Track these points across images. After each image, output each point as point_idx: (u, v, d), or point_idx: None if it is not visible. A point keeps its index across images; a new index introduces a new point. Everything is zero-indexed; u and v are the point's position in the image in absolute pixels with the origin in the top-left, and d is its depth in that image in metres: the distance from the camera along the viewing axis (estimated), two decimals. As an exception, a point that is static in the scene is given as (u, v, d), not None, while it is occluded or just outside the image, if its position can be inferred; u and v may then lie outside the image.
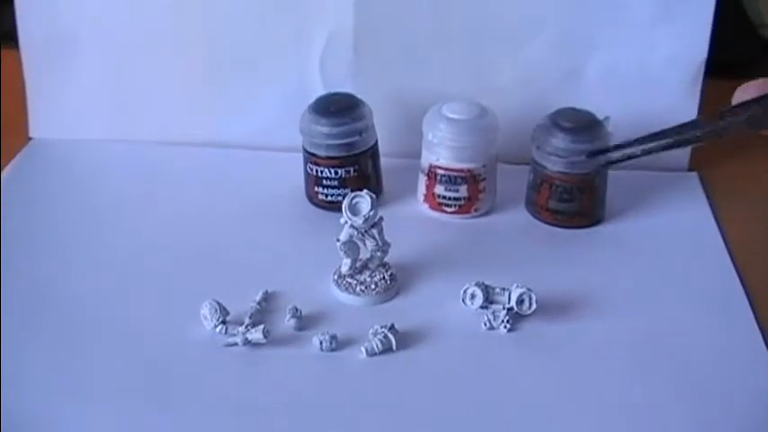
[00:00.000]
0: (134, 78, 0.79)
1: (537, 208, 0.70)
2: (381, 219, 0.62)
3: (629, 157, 0.62)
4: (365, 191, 0.61)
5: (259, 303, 0.60)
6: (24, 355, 0.57)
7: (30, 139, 0.81)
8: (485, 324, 0.59)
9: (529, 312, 0.59)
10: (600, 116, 0.69)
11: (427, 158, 0.70)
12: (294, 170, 0.73)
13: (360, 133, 0.70)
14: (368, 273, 0.63)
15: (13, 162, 0.78)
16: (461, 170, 0.69)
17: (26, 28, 0.78)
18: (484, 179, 0.70)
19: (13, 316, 0.59)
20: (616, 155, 0.63)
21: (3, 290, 0.61)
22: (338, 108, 0.70)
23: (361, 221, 0.60)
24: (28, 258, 0.66)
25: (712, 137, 0.54)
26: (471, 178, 0.69)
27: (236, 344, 0.57)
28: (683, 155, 0.76)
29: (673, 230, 0.70)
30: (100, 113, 0.80)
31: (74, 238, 0.69)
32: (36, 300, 0.62)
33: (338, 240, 0.61)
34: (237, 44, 0.77)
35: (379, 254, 0.63)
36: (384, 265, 0.63)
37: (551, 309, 0.60)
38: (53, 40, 0.78)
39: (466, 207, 0.70)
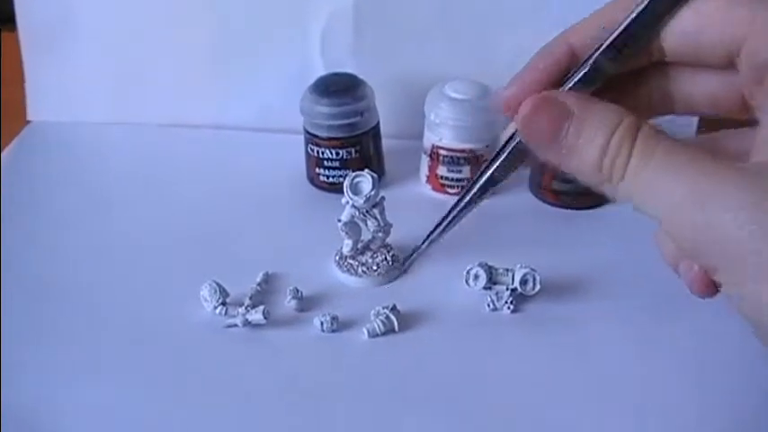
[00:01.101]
0: (133, 61, 0.78)
1: (540, 189, 0.70)
2: (383, 199, 0.61)
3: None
4: (366, 171, 0.60)
5: (259, 285, 0.60)
6: (25, 338, 0.56)
7: (28, 122, 0.80)
8: (488, 305, 0.59)
9: (533, 293, 0.59)
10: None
11: (429, 139, 0.70)
12: (295, 151, 0.72)
13: (361, 114, 0.69)
14: (369, 254, 0.62)
15: (12, 145, 0.77)
16: (464, 150, 0.68)
17: (24, 11, 0.77)
18: (487, 159, 0.69)
19: (14, 299, 0.59)
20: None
21: (3, 274, 0.61)
22: (339, 88, 0.69)
23: (362, 201, 0.60)
24: (27, 242, 0.65)
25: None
26: (474, 159, 0.69)
27: (236, 325, 0.57)
28: (689, 132, 0.75)
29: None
30: (99, 96, 0.79)
31: (73, 221, 0.68)
32: (36, 283, 0.61)
33: (340, 221, 0.61)
34: (237, 25, 0.76)
35: (380, 234, 0.62)
36: (386, 245, 0.63)
37: (555, 289, 0.60)
38: (51, 22, 0.77)
39: (469, 188, 0.70)
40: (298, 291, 0.59)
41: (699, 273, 0.40)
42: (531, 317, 0.59)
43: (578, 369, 0.55)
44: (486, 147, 0.69)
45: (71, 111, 0.80)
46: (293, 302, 0.58)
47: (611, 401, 0.53)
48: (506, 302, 0.59)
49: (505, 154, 0.43)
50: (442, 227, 0.48)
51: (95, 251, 0.65)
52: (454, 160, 0.69)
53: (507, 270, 0.59)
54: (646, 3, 0.39)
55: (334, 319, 0.57)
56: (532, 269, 0.59)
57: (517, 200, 0.70)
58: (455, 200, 0.46)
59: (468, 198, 0.45)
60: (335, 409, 0.52)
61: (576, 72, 0.40)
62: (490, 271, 0.59)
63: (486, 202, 0.68)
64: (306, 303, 0.59)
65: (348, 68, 0.72)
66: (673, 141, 0.37)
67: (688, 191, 0.35)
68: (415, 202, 0.70)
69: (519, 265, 0.59)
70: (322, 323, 0.56)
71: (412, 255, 0.49)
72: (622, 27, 0.39)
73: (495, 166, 0.43)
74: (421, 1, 0.74)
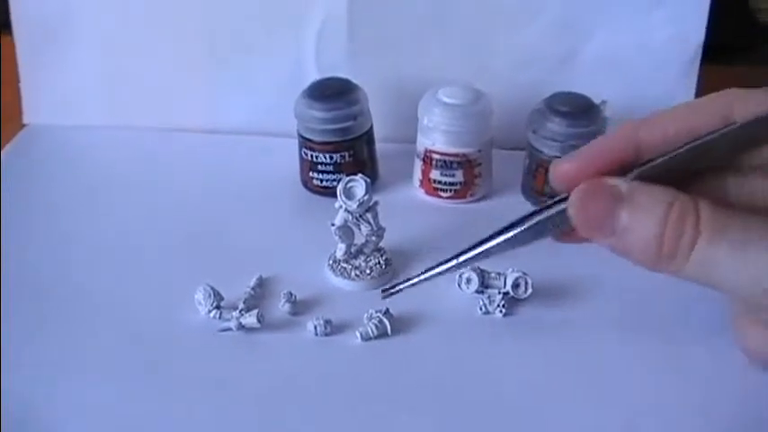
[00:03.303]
0: (128, 64, 0.78)
1: (533, 193, 0.70)
2: (376, 203, 0.61)
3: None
4: (360, 175, 0.61)
5: (253, 288, 0.60)
6: (20, 337, 0.57)
7: (24, 125, 0.80)
8: (480, 308, 0.59)
9: (524, 296, 0.59)
10: (596, 100, 0.68)
11: (423, 143, 0.70)
12: (289, 155, 0.73)
13: (355, 118, 0.69)
14: (363, 257, 0.63)
15: (7, 148, 0.77)
16: (457, 155, 0.69)
17: (19, 13, 0.77)
18: (480, 164, 0.69)
19: (9, 300, 0.59)
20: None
21: (0, 275, 0.61)
22: (333, 92, 0.69)
23: (355, 205, 0.60)
24: (23, 244, 0.65)
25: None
26: (467, 163, 0.69)
27: (230, 329, 0.57)
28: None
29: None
30: (94, 99, 0.80)
31: (68, 223, 0.68)
32: (31, 285, 0.61)
33: (333, 225, 0.61)
34: (232, 28, 0.76)
35: (374, 238, 0.62)
36: (379, 249, 0.63)
37: (547, 293, 0.60)
38: (47, 25, 0.77)
39: (462, 192, 0.70)
40: (291, 294, 0.59)
41: None
42: (523, 320, 0.59)
43: (570, 373, 0.55)
44: (479, 151, 0.69)
45: (67, 114, 0.80)
46: (287, 306, 0.59)
47: (603, 405, 0.53)
48: (498, 306, 0.59)
49: (533, 222, 0.44)
50: (436, 271, 0.48)
51: (91, 254, 0.65)
52: (447, 164, 0.69)
53: (499, 274, 0.60)
54: (738, 126, 0.40)
55: (327, 322, 0.57)
56: (524, 273, 0.59)
57: (509, 203, 0.71)
58: (451, 203, 0.47)
59: (474, 253, 0.46)
60: (329, 412, 0.52)
61: (638, 168, 0.41)
62: (482, 275, 0.59)
63: (479, 206, 0.69)
64: (299, 307, 0.59)
65: (342, 73, 0.72)
66: (740, 211, 0.38)
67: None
68: (408, 205, 0.70)
69: (511, 269, 0.59)
70: (315, 327, 0.57)
71: (393, 288, 0.49)
72: (700, 142, 0.40)
73: (516, 232, 0.44)
74: (415, 5, 0.74)
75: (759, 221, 0.38)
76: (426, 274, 0.48)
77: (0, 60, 0.81)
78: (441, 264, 0.47)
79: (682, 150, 0.41)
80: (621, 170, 0.42)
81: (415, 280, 0.48)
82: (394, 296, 0.49)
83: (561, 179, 0.43)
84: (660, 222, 0.38)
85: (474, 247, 0.46)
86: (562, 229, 0.43)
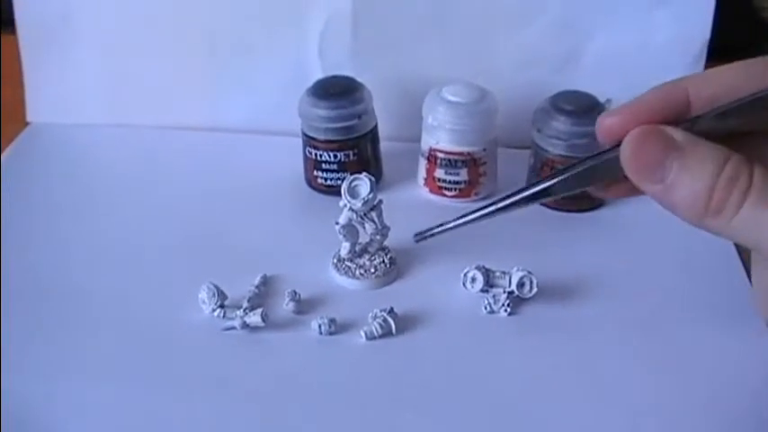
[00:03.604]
0: (132, 62, 0.78)
1: (538, 191, 0.70)
2: (381, 202, 0.61)
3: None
4: (364, 174, 0.60)
5: (257, 287, 0.60)
6: (20, 337, 0.57)
7: (27, 123, 0.80)
8: (485, 307, 0.59)
9: (530, 296, 0.59)
10: (601, 99, 0.68)
11: (427, 142, 0.70)
12: (293, 154, 0.72)
13: (359, 116, 0.69)
14: (367, 256, 0.62)
15: (11, 147, 0.77)
16: (461, 153, 0.69)
17: (23, 12, 0.77)
18: (484, 163, 0.69)
19: (12, 300, 0.59)
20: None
21: (2, 275, 0.61)
22: (337, 91, 0.69)
23: (360, 204, 0.60)
24: (25, 242, 0.65)
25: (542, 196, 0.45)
26: (471, 162, 0.69)
27: (234, 327, 0.57)
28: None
29: (673, 215, 0.69)
30: (98, 98, 0.80)
31: (72, 222, 0.68)
32: (34, 284, 0.61)
33: (337, 224, 0.61)
34: (235, 27, 0.76)
35: (378, 237, 0.62)
36: (383, 248, 0.63)
37: (552, 292, 0.60)
38: (50, 24, 0.77)
39: (466, 191, 0.70)
40: (296, 293, 0.59)
41: None
42: (527, 319, 0.59)
43: (575, 372, 0.55)
44: (484, 150, 0.69)
45: (70, 112, 0.80)
46: (291, 305, 0.59)
47: (608, 405, 0.53)
48: (503, 305, 0.59)
49: (579, 170, 0.43)
50: (473, 216, 0.47)
51: (93, 253, 0.65)
52: (452, 163, 0.69)
53: (504, 273, 0.59)
54: None
55: (331, 321, 0.57)
56: (529, 272, 0.59)
57: (514, 202, 0.71)
58: (456, 202, 0.46)
59: (516, 198, 0.45)
60: (333, 411, 0.52)
61: (687, 120, 0.41)
62: (487, 274, 0.59)
63: (483, 205, 0.69)
64: (304, 306, 0.59)
65: (346, 71, 0.72)
66: None
67: None
68: (413, 204, 0.70)
69: (516, 268, 0.59)
70: (320, 326, 0.57)
71: (429, 231, 0.49)
72: (750, 100, 0.40)
73: (560, 178, 0.43)
74: (419, 4, 0.74)
75: None
76: (461, 220, 0.47)
77: (0, 59, 0.81)
78: (477, 210, 0.47)
79: (731, 107, 0.40)
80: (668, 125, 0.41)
81: (451, 224, 0.47)
82: (427, 239, 0.49)
83: (607, 132, 0.42)
84: (712, 176, 0.38)
85: (514, 194, 0.45)
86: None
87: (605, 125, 0.43)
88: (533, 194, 0.45)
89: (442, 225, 0.48)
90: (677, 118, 0.42)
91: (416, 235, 0.49)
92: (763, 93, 0.40)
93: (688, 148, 0.39)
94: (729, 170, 0.38)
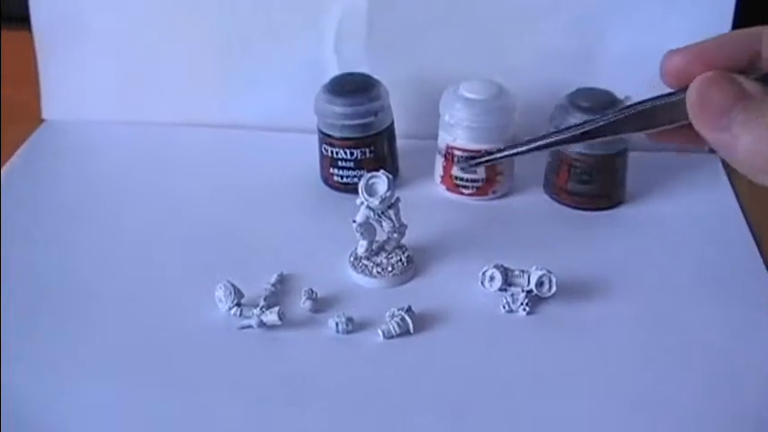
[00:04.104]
0: (146, 59, 0.78)
1: (556, 190, 0.69)
2: (398, 199, 0.61)
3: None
4: (382, 171, 0.60)
5: (274, 285, 0.60)
6: (36, 336, 0.56)
7: (42, 120, 0.80)
8: (503, 307, 0.58)
9: (548, 295, 0.58)
10: (619, 96, 0.67)
11: (444, 139, 0.69)
12: (309, 151, 0.72)
13: (375, 114, 0.69)
14: (384, 255, 0.62)
15: (26, 144, 0.77)
16: (479, 151, 0.68)
17: (38, 10, 0.77)
18: (502, 160, 0.69)
19: (26, 298, 0.59)
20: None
21: (16, 272, 0.61)
22: (353, 88, 0.69)
23: (377, 202, 0.59)
24: (41, 240, 0.65)
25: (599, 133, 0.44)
26: (489, 159, 0.68)
27: (250, 326, 0.56)
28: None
29: (694, 213, 0.69)
30: (112, 95, 0.79)
31: (86, 219, 0.68)
32: (48, 283, 0.61)
33: (354, 222, 0.60)
34: (250, 23, 0.76)
35: (395, 235, 0.62)
36: (401, 246, 0.62)
37: (571, 291, 0.59)
38: (65, 21, 0.77)
39: (483, 189, 0.69)
40: (312, 291, 0.59)
41: None
42: (546, 319, 0.58)
43: (594, 372, 0.54)
44: (501, 148, 0.68)
45: (86, 110, 0.79)
46: (308, 303, 0.58)
47: (627, 405, 0.52)
48: (522, 304, 0.58)
49: (640, 109, 0.41)
50: (523, 148, 0.45)
51: (109, 250, 0.65)
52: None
53: (523, 272, 0.59)
54: None
55: (349, 320, 0.56)
56: (548, 271, 0.58)
57: (532, 200, 0.70)
58: (473, 200, 0.45)
59: (565, 136, 0.43)
60: (350, 411, 0.52)
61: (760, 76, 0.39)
62: (506, 272, 0.59)
63: (501, 203, 0.68)
64: (320, 304, 0.59)
65: (362, 68, 0.72)
66: None
67: None
68: (430, 202, 0.70)
69: (535, 267, 0.59)
70: (337, 324, 0.56)
71: (479, 158, 0.47)
72: None
73: (620, 116, 0.42)
74: (436, 0, 0.73)
75: None
76: (517, 149, 0.46)
77: (0, 56, 0.81)
78: (534, 140, 0.45)
79: None
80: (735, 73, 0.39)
81: (506, 153, 0.46)
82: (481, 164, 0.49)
83: (673, 72, 0.40)
84: None
85: (569, 129, 0.44)
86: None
87: (672, 64, 0.40)
88: (589, 131, 0.43)
89: (495, 152, 0.47)
90: (748, 68, 0.39)
91: (468, 160, 0.50)
92: None
93: (758, 99, 0.37)
94: None
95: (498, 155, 0.46)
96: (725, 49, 0.40)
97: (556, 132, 0.44)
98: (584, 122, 0.43)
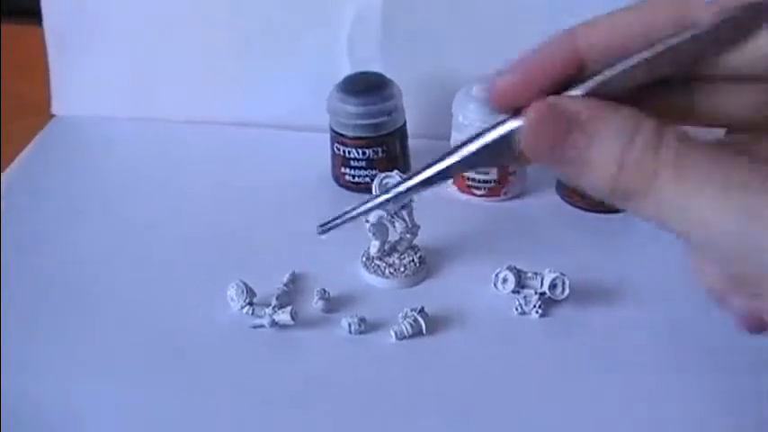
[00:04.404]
0: (158, 56, 0.78)
1: (568, 192, 0.69)
2: (411, 200, 0.60)
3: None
4: (395, 171, 0.60)
5: (286, 285, 0.59)
6: (47, 335, 0.56)
7: (52, 116, 0.80)
8: (516, 309, 0.58)
9: (562, 297, 0.58)
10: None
11: (457, 140, 0.69)
12: (321, 150, 0.72)
13: (388, 113, 0.68)
14: (397, 255, 0.62)
15: (36, 139, 0.77)
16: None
17: (50, 5, 0.77)
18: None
19: (34, 295, 0.59)
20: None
21: (25, 269, 0.61)
22: (366, 87, 0.68)
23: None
24: (51, 235, 0.65)
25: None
26: (502, 160, 0.68)
27: (263, 326, 0.56)
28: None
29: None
30: (123, 90, 0.79)
31: (96, 216, 0.68)
32: (57, 280, 0.61)
33: (367, 222, 0.60)
34: (263, 22, 0.76)
35: (408, 236, 0.61)
36: (413, 247, 0.62)
37: (584, 294, 0.59)
38: (77, 17, 0.77)
39: (496, 190, 0.69)
40: (325, 291, 0.58)
41: (746, 304, 0.37)
42: (559, 322, 0.58)
43: (606, 374, 0.54)
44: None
45: (96, 105, 0.79)
46: (320, 303, 0.58)
47: (639, 407, 0.52)
48: (535, 307, 0.58)
49: (474, 149, 0.37)
50: (371, 204, 0.40)
51: (121, 247, 0.64)
52: (481, 162, 0.68)
53: (536, 274, 0.59)
54: (702, 30, 0.34)
55: (361, 320, 0.56)
56: (562, 273, 0.58)
57: (544, 202, 0.70)
58: (485, 201, 0.42)
59: (411, 183, 0.39)
60: (362, 410, 0.52)
61: (584, 82, 0.35)
62: (519, 275, 0.58)
63: (513, 204, 0.68)
64: (333, 304, 0.58)
65: (375, 67, 0.71)
66: (707, 147, 0.33)
67: (735, 205, 0.32)
68: (442, 203, 0.69)
69: (548, 270, 0.58)
70: (350, 325, 0.56)
71: (330, 223, 0.44)
72: (655, 52, 0.34)
73: (455, 161, 0.37)
74: (448, 0, 0.73)
75: (738, 162, 0.34)
76: (362, 207, 0.41)
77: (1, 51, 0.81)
78: (374, 197, 0.40)
79: (637, 61, 0.34)
80: (567, 83, 0.35)
81: (353, 213, 0.41)
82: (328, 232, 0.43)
83: (502, 98, 0.36)
84: (618, 156, 0.34)
85: (408, 178, 0.39)
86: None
87: (500, 90, 0.38)
88: (427, 179, 0.38)
89: (344, 214, 0.41)
90: (576, 74, 0.36)
91: (321, 227, 0.44)
92: (669, 42, 0.34)
93: (591, 121, 0.36)
94: (641, 143, 0.33)
95: (349, 215, 0.43)
96: (550, 63, 0.37)
97: (397, 184, 0.41)
98: (422, 169, 0.39)
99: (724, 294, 0.40)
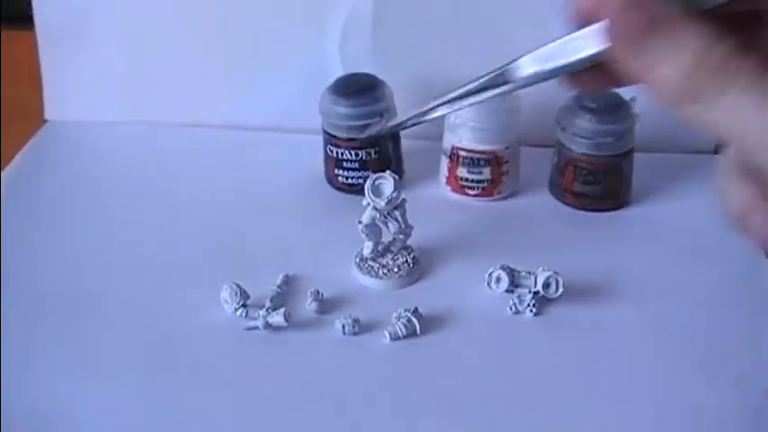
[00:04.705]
0: (150, 60, 0.78)
1: (561, 191, 0.69)
2: (404, 201, 0.60)
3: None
4: (388, 172, 0.60)
5: (280, 287, 0.59)
6: (42, 339, 0.56)
7: (45, 121, 0.80)
8: (510, 308, 0.58)
9: (555, 296, 0.58)
10: (626, 97, 0.67)
11: (449, 140, 0.69)
12: (314, 152, 0.72)
13: (381, 114, 0.68)
14: (390, 256, 0.62)
15: (29, 144, 0.77)
16: (484, 152, 0.68)
17: (42, 9, 0.77)
18: (507, 161, 0.68)
19: (29, 300, 0.59)
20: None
21: (19, 274, 0.61)
22: (358, 89, 0.68)
23: (384, 203, 0.59)
24: (45, 241, 0.65)
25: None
26: (494, 160, 0.68)
27: (256, 327, 0.56)
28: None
29: (699, 213, 0.68)
30: (116, 95, 0.79)
31: (91, 221, 0.68)
32: (52, 285, 0.61)
33: (360, 222, 0.60)
34: (255, 24, 0.76)
35: (401, 236, 0.61)
36: (406, 248, 0.62)
37: (578, 293, 0.59)
38: (69, 21, 0.77)
39: (489, 190, 0.69)
40: (318, 293, 0.58)
41: None
42: (553, 320, 0.58)
43: (601, 373, 0.54)
44: (507, 148, 0.68)
45: (89, 110, 0.79)
46: (314, 305, 0.58)
47: (633, 406, 0.52)
48: (529, 306, 0.58)
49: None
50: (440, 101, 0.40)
51: (114, 251, 0.64)
52: (474, 161, 0.68)
53: (530, 273, 0.59)
54: None
55: (355, 321, 0.56)
56: (555, 272, 0.58)
57: (537, 202, 0.70)
58: (478, 201, 0.43)
59: (480, 83, 0.39)
60: (357, 412, 0.51)
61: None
62: (512, 274, 0.59)
63: (506, 204, 0.68)
64: (326, 306, 0.58)
65: (367, 69, 0.71)
66: None
67: None
68: (435, 203, 0.70)
69: (541, 268, 0.58)
70: (344, 326, 0.56)
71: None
72: None
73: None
74: (440, 1, 0.73)
75: None
76: (431, 105, 0.40)
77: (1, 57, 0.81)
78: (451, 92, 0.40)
79: None
80: None
81: (398, 121, 0.40)
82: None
83: (582, 13, 0.39)
84: (696, 56, 0.35)
85: (475, 80, 0.39)
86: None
87: (581, 5, 0.38)
88: (497, 79, 0.38)
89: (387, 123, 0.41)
90: None
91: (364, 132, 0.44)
92: None
93: (674, 22, 0.36)
94: (719, 51, 0.35)
95: (392, 123, 0.42)
96: None
97: (465, 84, 0.41)
98: (493, 71, 0.38)
99: (748, 213, 0.39)
